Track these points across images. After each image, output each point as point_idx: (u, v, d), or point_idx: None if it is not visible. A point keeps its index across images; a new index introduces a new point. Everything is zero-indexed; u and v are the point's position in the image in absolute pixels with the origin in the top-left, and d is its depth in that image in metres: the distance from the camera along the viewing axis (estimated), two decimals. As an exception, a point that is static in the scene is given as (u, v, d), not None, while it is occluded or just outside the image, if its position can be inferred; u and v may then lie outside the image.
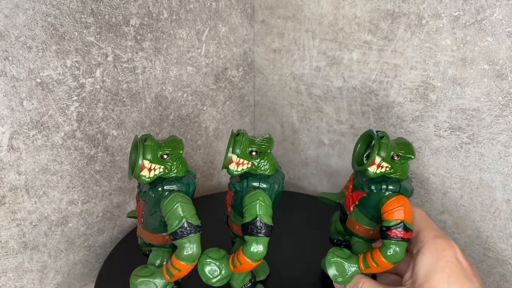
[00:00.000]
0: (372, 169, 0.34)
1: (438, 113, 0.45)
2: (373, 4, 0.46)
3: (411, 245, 0.35)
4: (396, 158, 0.35)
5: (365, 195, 0.36)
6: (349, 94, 0.52)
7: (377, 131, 0.35)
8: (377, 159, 0.34)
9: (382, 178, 0.35)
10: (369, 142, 0.38)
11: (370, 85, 0.49)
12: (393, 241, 0.33)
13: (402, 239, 0.33)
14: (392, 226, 0.33)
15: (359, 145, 0.38)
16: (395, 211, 0.33)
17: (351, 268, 0.35)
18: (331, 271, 0.35)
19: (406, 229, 0.33)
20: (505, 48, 0.38)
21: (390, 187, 0.34)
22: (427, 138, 0.46)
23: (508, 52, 0.38)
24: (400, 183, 0.35)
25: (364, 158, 0.37)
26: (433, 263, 0.31)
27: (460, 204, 0.46)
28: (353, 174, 0.42)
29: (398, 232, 0.33)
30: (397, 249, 0.33)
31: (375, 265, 0.34)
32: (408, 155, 0.35)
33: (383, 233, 0.33)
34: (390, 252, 0.33)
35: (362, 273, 0.35)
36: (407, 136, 0.48)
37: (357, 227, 0.37)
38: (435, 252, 0.32)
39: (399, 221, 0.33)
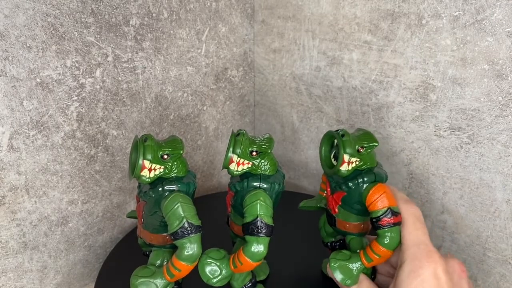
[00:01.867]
0: (343, 167, 0.35)
1: (438, 113, 0.45)
2: (373, 4, 0.46)
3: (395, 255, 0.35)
4: (361, 150, 0.35)
5: (345, 194, 0.36)
6: (349, 94, 0.52)
7: (335, 131, 0.36)
8: (346, 157, 0.34)
9: (356, 173, 0.36)
10: (332, 142, 0.38)
11: (370, 85, 0.49)
12: (386, 229, 0.34)
13: (394, 224, 0.34)
14: (380, 215, 0.34)
15: (323, 148, 0.38)
16: (379, 200, 0.34)
17: (355, 266, 0.35)
18: (338, 276, 0.35)
19: (395, 213, 0.34)
20: (505, 48, 0.38)
21: (366, 178, 0.35)
22: (427, 138, 0.46)
23: (508, 52, 0.38)
24: (374, 172, 0.35)
25: (332, 159, 0.38)
26: (408, 283, 0.32)
27: (460, 204, 0.46)
28: (324, 176, 0.42)
29: (388, 219, 0.34)
30: (392, 235, 0.34)
31: (377, 257, 0.34)
32: (372, 144, 0.35)
33: (374, 224, 0.34)
34: (387, 240, 0.34)
35: (367, 268, 0.36)
36: (407, 136, 0.48)
37: (347, 225, 0.38)
38: (411, 272, 0.32)
39: (385, 208, 0.34)
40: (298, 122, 0.59)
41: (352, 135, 0.36)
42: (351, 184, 0.35)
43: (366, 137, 0.36)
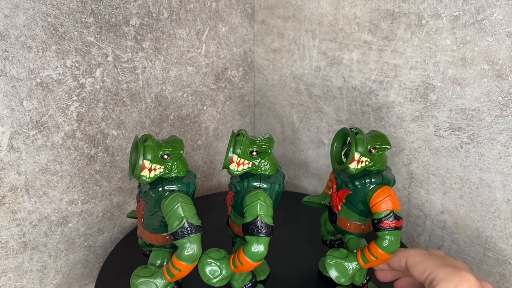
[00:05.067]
0: (353, 165, 0.35)
1: (438, 113, 0.45)
2: (373, 4, 0.46)
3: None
4: (373, 151, 0.35)
5: (351, 192, 0.37)
6: (349, 94, 0.52)
7: (350, 128, 0.36)
8: (356, 155, 0.35)
9: (364, 172, 0.36)
10: (344, 140, 0.38)
11: (370, 85, 0.49)
12: (386, 231, 0.34)
13: (395, 228, 0.34)
14: (383, 217, 0.34)
15: (335, 144, 0.38)
16: (383, 203, 0.34)
17: (351, 266, 0.35)
18: (333, 273, 0.35)
19: (397, 217, 0.34)
20: (505, 48, 0.38)
21: (373, 179, 0.35)
22: (427, 138, 0.46)
23: (508, 52, 0.38)
24: (382, 174, 0.36)
25: (342, 156, 0.38)
26: None
27: (460, 204, 0.46)
28: (332, 174, 0.42)
29: (390, 222, 0.34)
30: (392, 238, 0.34)
31: (374, 259, 0.34)
32: (384, 146, 0.36)
33: (375, 225, 0.34)
34: (386, 243, 0.34)
35: (362, 269, 0.36)
36: (407, 136, 0.48)
37: (348, 224, 0.38)
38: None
39: (388, 211, 0.34)
40: (298, 122, 0.59)
41: (366, 135, 0.36)
42: (357, 183, 0.36)
43: (380, 139, 0.36)
